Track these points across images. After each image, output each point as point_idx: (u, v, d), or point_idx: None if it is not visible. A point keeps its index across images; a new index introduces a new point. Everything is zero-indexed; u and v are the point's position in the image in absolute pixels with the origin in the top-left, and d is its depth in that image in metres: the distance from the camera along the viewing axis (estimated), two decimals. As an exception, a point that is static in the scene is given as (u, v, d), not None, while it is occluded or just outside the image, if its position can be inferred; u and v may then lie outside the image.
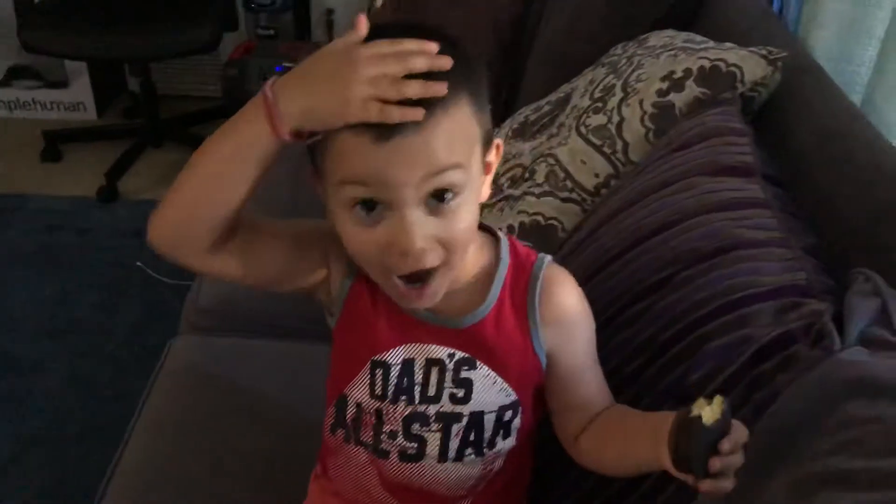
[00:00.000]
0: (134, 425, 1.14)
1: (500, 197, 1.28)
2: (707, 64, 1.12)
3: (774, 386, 0.69)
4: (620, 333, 0.85)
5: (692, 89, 1.12)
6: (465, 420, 0.77)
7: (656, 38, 1.31)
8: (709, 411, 0.58)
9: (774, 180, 0.94)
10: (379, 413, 0.78)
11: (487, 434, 0.78)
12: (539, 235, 1.18)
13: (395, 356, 0.76)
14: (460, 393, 0.76)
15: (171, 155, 2.61)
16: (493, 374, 0.76)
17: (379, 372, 0.77)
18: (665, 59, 1.19)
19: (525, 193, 1.22)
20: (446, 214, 0.66)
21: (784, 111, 1.10)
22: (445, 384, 0.76)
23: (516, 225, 1.20)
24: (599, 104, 1.22)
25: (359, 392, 0.78)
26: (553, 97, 1.42)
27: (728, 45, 1.16)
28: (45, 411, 1.73)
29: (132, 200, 2.42)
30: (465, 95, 0.65)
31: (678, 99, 1.13)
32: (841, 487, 0.56)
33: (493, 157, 0.72)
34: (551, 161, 1.22)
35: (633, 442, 0.70)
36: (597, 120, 1.20)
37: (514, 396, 0.77)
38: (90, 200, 2.42)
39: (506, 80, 1.75)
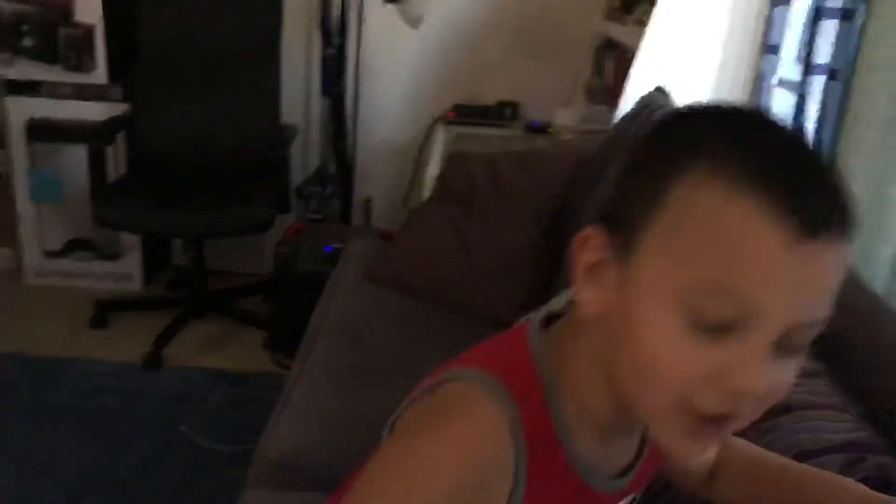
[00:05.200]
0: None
1: None
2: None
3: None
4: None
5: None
6: None
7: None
8: None
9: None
10: None
11: None
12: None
13: None
14: None
15: (214, 326, 2.75)
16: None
17: None
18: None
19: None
20: (781, 362, 0.49)
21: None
22: None
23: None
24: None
25: None
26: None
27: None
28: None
29: (176, 367, 2.52)
30: None
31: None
32: None
33: None
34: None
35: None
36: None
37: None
38: (135, 366, 2.52)
39: (545, 265, 1.93)
